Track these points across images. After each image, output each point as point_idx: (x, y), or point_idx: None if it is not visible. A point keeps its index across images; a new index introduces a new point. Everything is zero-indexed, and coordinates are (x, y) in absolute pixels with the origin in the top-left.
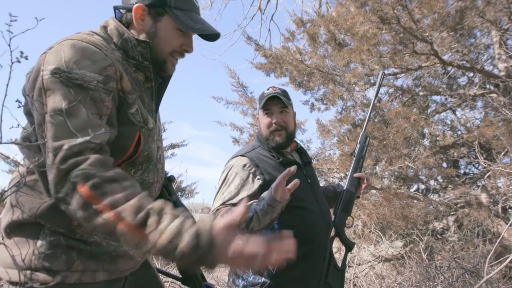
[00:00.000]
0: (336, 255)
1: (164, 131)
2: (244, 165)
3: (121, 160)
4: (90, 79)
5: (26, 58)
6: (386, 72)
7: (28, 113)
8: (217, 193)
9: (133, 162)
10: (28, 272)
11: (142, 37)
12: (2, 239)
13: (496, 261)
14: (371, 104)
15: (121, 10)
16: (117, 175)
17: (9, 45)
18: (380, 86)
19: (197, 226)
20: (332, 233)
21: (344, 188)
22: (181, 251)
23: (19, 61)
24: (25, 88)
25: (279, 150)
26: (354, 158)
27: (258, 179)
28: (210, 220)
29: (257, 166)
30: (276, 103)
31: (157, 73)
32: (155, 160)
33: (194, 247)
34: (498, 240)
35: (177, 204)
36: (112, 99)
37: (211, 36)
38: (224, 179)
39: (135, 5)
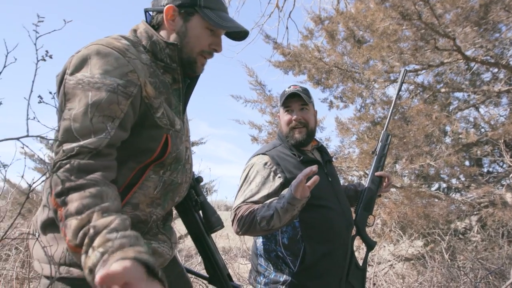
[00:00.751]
0: (356, 254)
1: None
2: (265, 164)
3: (148, 161)
4: (110, 82)
5: (51, 57)
6: (407, 68)
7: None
8: (239, 191)
9: (162, 163)
10: (64, 268)
11: (172, 37)
12: (38, 236)
13: None
14: (393, 102)
15: (151, 13)
16: (86, 182)
17: (35, 44)
18: (402, 84)
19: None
20: (354, 231)
21: (366, 186)
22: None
23: (44, 60)
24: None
25: (299, 148)
26: (376, 157)
27: (279, 177)
28: (134, 252)
29: (278, 164)
30: (296, 100)
31: (185, 73)
32: (184, 161)
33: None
34: None
35: (204, 205)
36: (131, 104)
37: (240, 35)
38: (246, 177)
39: (166, 6)
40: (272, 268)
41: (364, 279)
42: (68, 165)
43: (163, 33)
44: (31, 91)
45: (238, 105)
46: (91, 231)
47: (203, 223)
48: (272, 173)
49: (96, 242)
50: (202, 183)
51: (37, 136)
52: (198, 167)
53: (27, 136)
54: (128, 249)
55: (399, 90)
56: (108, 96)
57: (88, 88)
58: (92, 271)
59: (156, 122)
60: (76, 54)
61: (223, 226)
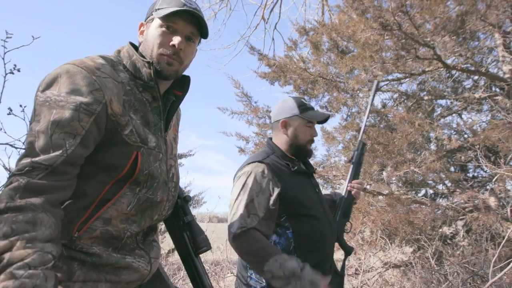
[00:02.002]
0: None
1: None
2: (263, 172)
3: (119, 176)
4: (74, 101)
5: (19, 70)
6: (389, 77)
7: None
8: (236, 199)
9: (136, 181)
10: None
11: (140, 48)
12: None
13: (508, 266)
14: (366, 112)
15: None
16: (24, 205)
17: (3, 58)
18: (374, 96)
19: None
20: None
21: (344, 194)
22: None
23: (12, 73)
24: None
25: (292, 159)
26: (352, 165)
27: (277, 187)
28: None
29: (274, 173)
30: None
31: (170, 92)
32: (162, 179)
33: None
34: (502, 243)
35: (191, 225)
36: (94, 121)
37: (196, 23)
38: (243, 185)
39: (139, 24)
40: (264, 280)
41: (343, 285)
42: (16, 183)
43: (140, 49)
44: None
45: (226, 116)
46: (4, 261)
47: (190, 243)
48: (270, 182)
49: (2, 276)
50: (191, 196)
51: (5, 144)
52: (185, 179)
53: None
54: None
55: (372, 101)
56: (70, 114)
57: (53, 106)
58: None
59: (124, 139)
60: (49, 73)
61: (210, 248)
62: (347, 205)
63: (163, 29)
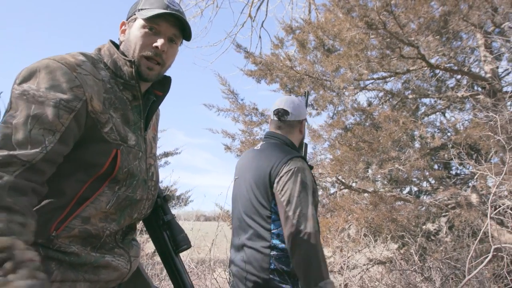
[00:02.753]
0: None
1: (158, 139)
2: (308, 168)
3: (98, 174)
4: (54, 97)
5: None
6: (375, 76)
7: None
8: (298, 196)
9: (115, 179)
10: None
11: (121, 47)
12: None
13: (483, 263)
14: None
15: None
16: (15, 207)
17: None
18: (306, 104)
19: None
20: None
21: None
22: None
23: None
24: None
25: None
26: None
27: (315, 183)
28: None
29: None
30: None
31: (151, 92)
32: (142, 177)
33: None
34: (477, 240)
35: (171, 224)
36: (74, 118)
37: (182, 27)
38: (302, 182)
39: (120, 23)
40: (289, 280)
41: None
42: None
43: (121, 48)
44: None
45: (212, 114)
46: (14, 257)
47: (170, 242)
48: (313, 179)
49: (22, 272)
50: (177, 194)
51: None
52: (170, 178)
53: None
54: None
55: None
56: (50, 110)
57: (32, 100)
58: None
59: (104, 136)
60: (27, 66)
61: (190, 246)
62: None
63: (146, 30)
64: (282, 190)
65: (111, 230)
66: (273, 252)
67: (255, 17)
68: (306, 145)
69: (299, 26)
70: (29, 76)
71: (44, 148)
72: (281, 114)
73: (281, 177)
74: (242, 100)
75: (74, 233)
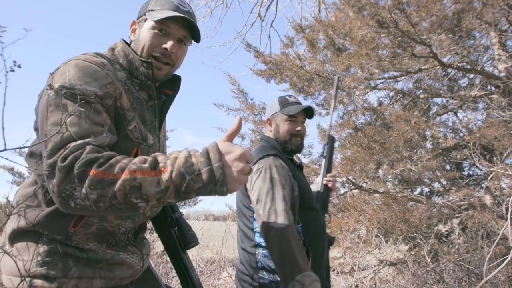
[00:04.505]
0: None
1: (167, 139)
2: (281, 165)
3: None
4: (90, 93)
5: (19, 66)
6: (386, 75)
7: (37, 129)
8: (266, 193)
9: None
10: (28, 279)
11: (132, 46)
12: (1, 247)
13: (503, 264)
14: (332, 106)
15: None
16: (115, 154)
17: (1, 55)
18: (337, 90)
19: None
20: None
21: (320, 188)
22: (197, 166)
23: (13, 70)
24: (36, 107)
25: (291, 154)
26: (324, 160)
27: (295, 179)
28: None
29: (288, 166)
30: (301, 113)
31: (161, 91)
32: None
33: (206, 157)
34: (496, 241)
35: (179, 221)
36: (107, 115)
37: (191, 29)
38: (270, 178)
39: (130, 22)
40: (278, 278)
41: (329, 276)
42: (86, 150)
43: (132, 47)
44: (4, 103)
45: (221, 114)
46: (155, 156)
47: (179, 239)
48: (290, 174)
49: (172, 155)
50: None
51: (16, 148)
52: None
53: (5, 150)
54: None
55: (335, 96)
56: (94, 107)
57: (71, 99)
58: (189, 156)
59: (128, 134)
60: (56, 71)
61: (197, 243)
62: (324, 198)
63: (156, 31)
64: (252, 189)
65: (126, 227)
66: (259, 251)
67: (264, 16)
68: (332, 138)
69: (309, 25)
70: (61, 78)
71: (108, 134)
72: None
73: (251, 177)
74: (251, 99)
75: (92, 230)
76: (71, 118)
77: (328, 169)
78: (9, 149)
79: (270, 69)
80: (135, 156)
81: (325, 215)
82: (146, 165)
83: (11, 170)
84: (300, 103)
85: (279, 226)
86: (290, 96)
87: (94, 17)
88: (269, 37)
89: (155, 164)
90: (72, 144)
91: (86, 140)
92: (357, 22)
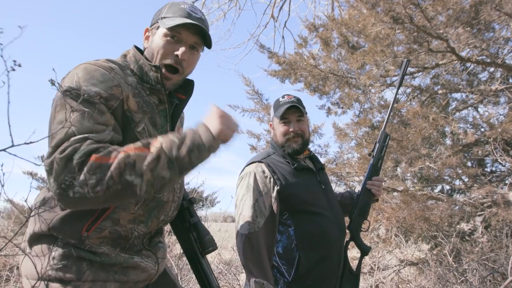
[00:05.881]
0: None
1: None
2: (263, 171)
3: None
4: (95, 94)
5: (20, 65)
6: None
7: None
8: (241, 200)
9: None
10: (43, 282)
11: (145, 53)
12: (21, 250)
13: None
14: (394, 96)
15: None
16: (115, 146)
17: (1, 56)
18: (404, 75)
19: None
20: (347, 237)
21: (360, 192)
22: (184, 133)
23: (13, 69)
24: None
25: (293, 156)
26: (372, 159)
27: (277, 185)
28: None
29: (274, 172)
30: (293, 111)
31: (173, 95)
32: None
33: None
34: None
35: (197, 226)
36: (112, 116)
37: (203, 36)
38: (247, 185)
39: (144, 30)
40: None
41: (358, 284)
42: (85, 143)
43: (145, 54)
44: (8, 102)
45: (237, 114)
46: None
47: (197, 244)
48: (271, 181)
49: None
50: (204, 196)
51: (22, 144)
52: (196, 180)
53: (12, 146)
54: None
55: (401, 82)
56: (98, 107)
57: (77, 99)
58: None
59: (136, 136)
60: (66, 75)
61: (216, 248)
62: (364, 204)
63: (168, 38)
64: (235, 194)
65: (139, 231)
66: None
67: (277, 17)
68: (387, 135)
69: (322, 24)
70: (69, 80)
71: (110, 131)
72: None
73: (237, 183)
74: (266, 100)
75: (105, 234)
76: (75, 117)
77: (375, 171)
78: (16, 145)
79: (284, 69)
80: None
81: (362, 221)
82: (139, 144)
83: (35, 175)
84: (290, 102)
85: (242, 232)
86: (283, 96)
87: (108, 18)
88: (283, 37)
89: (147, 143)
90: (72, 138)
91: (87, 135)
92: (371, 19)
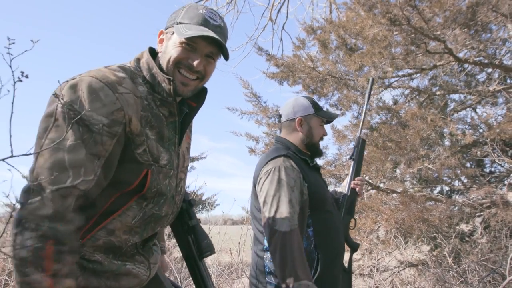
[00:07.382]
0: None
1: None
2: (292, 166)
3: (127, 190)
4: (96, 122)
5: (27, 77)
6: (400, 73)
7: None
8: (273, 195)
9: (144, 196)
10: None
11: (160, 58)
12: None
13: None
14: (364, 110)
15: None
16: (73, 248)
17: (10, 66)
18: (370, 92)
19: None
20: None
21: (347, 191)
22: None
23: (20, 80)
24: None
25: (307, 155)
26: (353, 162)
27: (306, 181)
28: None
29: (299, 167)
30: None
31: (184, 103)
32: (170, 194)
33: None
34: None
35: (195, 229)
36: (117, 142)
37: (219, 47)
38: (278, 180)
39: (158, 32)
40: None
41: (351, 282)
42: (64, 226)
43: (158, 58)
44: (12, 112)
45: (235, 118)
46: None
47: (195, 248)
48: (301, 176)
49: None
50: (203, 198)
51: (22, 155)
52: (195, 182)
53: (12, 156)
54: None
55: (368, 99)
56: (94, 137)
57: (78, 122)
58: None
59: (136, 157)
60: (71, 81)
61: (213, 252)
62: (350, 202)
63: (183, 46)
64: (260, 191)
65: (133, 242)
66: (267, 255)
67: (275, 19)
68: (363, 141)
69: (320, 26)
70: (72, 94)
71: (95, 176)
72: (278, 118)
73: (260, 178)
74: (265, 102)
75: (99, 243)
76: (72, 144)
77: (357, 172)
78: (15, 156)
79: (282, 71)
80: (144, 178)
81: (350, 220)
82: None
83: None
84: (335, 114)
85: (283, 230)
86: (314, 98)
87: (116, 22)
88: (281, 40)
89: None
90: (62, 185)
91: (74, 183)
92: (368, 21)
